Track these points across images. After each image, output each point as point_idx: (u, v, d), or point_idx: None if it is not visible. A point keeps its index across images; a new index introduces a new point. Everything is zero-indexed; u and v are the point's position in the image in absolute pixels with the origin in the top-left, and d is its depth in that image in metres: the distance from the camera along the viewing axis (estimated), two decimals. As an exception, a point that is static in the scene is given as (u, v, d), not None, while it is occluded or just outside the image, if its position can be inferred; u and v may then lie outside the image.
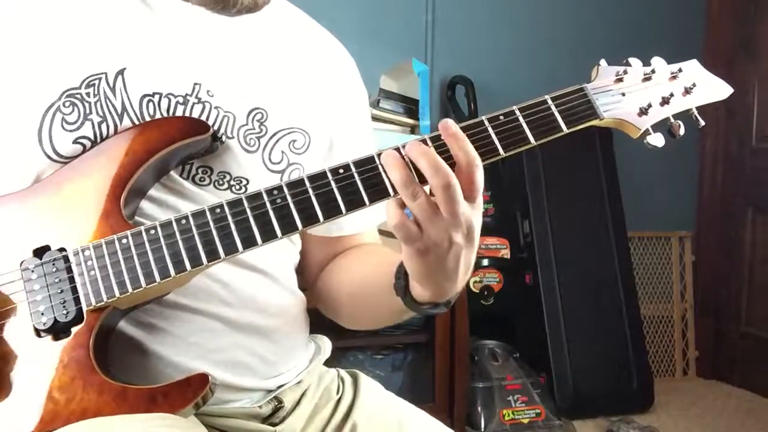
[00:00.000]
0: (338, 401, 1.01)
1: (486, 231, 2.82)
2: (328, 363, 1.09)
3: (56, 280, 0.77)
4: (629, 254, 3.00)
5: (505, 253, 2.85)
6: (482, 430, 2.51)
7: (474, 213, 0.77)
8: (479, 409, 2.54)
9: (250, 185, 0.89)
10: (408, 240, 0.76)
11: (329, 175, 0.78)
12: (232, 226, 0.77)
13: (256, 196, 0.78)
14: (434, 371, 2.38)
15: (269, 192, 0.78)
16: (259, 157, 0.91)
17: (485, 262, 2.81)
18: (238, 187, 0.89)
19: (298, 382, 0.99)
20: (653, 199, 3.25)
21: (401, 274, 0.85)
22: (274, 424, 0.94)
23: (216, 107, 0.88)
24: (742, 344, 3.22)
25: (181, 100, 0.87)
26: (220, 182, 0.88)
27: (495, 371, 2.62)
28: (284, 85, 0.95)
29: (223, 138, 0.87)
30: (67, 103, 0.83)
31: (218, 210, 0.78)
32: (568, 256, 2.85)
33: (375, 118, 2.40)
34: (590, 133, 2.97)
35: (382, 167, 0.77)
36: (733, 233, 3.29)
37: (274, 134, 0.92)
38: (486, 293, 2.80)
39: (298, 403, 0.98)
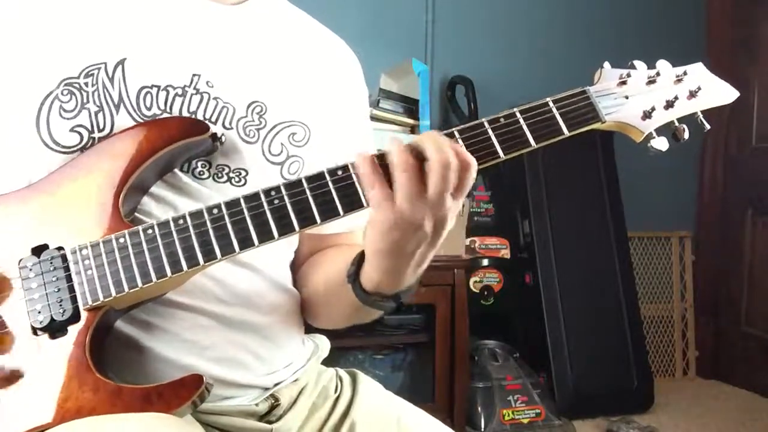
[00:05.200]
0: (336, 400, 1.01)
1: (486, 231, 2.83)
2: (328, 363, 1.09)
3: (53, 279, 0.78)
4: (629, 254, 3.00)
5: (505, 253, 2.85)
6: (482, 430, 2.50)
7: (451, 209, 0.76)
8: (479, 409, 2.53)
9: (249, 177, 0.89)
10: (379, 204, 0.75)
11: (327, 176, 0.77)
12: (229, 227, 0.77)
13: (253, 196, 0.77)
14: (434, 371, 2.37)
15: (267, 192, 0.77)
16: (259, 148, 0.90)
17: (485, 262, 2.81)
18: (237, 179, 0.89)
19: (295, 381, 0.99)
20: (653, 199, 3.24)
21: (356, 260, 0.84)
22: (271, 422, 0.94)
23: (215, 98, 0.88)
24: (742, 344, 3.22)
25: (179, 92, 0.87)
26: (219, 175, 0.88)
27: (495, 371, 2.61)
28: (284, 78, 0.95)
29: (223, 138, 0.87)
30: (65, 92, 0.83)
31: (215, 210, 0.77)
32: (568, 256, 2.85)
33: (375, 118, 2.39)
34: (591, 134, 2.92)
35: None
36: (733, 233, 3.29)
37: (274, 127, 0.92)
38: (486, 293, 2.80)
39: (295, 401, 0.98)
